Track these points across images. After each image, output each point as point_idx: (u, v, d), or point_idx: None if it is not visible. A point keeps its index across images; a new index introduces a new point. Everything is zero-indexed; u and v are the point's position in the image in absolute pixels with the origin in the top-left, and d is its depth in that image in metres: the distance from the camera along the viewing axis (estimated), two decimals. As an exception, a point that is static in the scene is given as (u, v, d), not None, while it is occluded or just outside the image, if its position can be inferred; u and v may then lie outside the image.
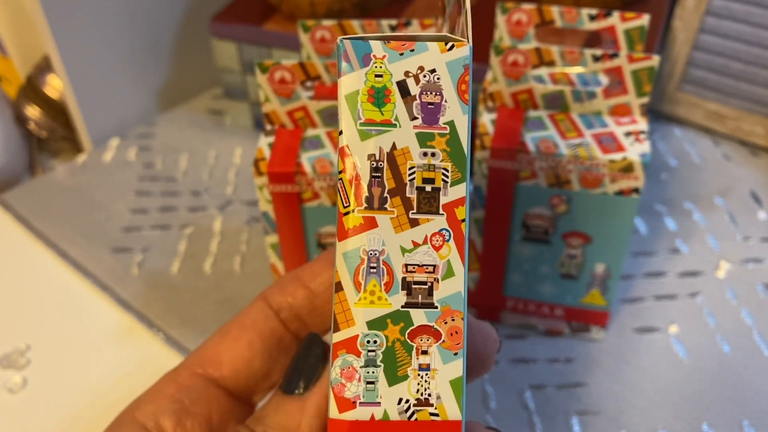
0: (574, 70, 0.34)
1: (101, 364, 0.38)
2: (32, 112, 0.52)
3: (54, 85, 0.51)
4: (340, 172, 0.18)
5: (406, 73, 0.18)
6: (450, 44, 0.18)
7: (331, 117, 0.32)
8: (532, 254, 0.35)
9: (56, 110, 0.52)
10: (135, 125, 0.54)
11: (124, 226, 0.46)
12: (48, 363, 0.38)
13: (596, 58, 0.32)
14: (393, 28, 0.33)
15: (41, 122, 0.52)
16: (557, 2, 0.47)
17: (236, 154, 0.51)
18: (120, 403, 0.36)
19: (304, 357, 0.22)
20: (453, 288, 0.18)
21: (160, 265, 0.43)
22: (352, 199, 0.18)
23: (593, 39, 0.45)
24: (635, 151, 0.31)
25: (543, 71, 0.35)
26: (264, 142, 0.32)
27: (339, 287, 0.18)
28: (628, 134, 0.32)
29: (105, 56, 0.50)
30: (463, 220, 0.18)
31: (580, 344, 0.38)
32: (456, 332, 0.18)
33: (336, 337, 0.18)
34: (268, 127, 0.33)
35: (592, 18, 0.33)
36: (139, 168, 0.50)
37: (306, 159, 0.31)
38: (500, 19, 0.34)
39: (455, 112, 0.18)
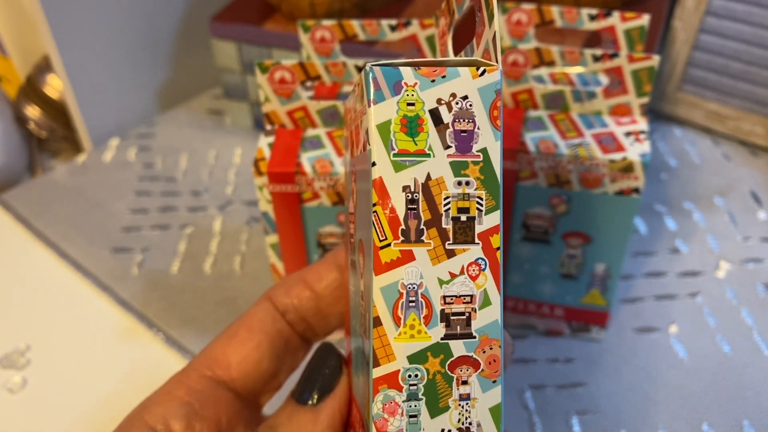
0: (574, 70, 0.34)
1: (101, 364, 0.38)
2: (32, 112, 0.52)
3: (54, 85, 0.51)
4: (374, 205, 0.18)
5: (439, 101, 0.18)
6: (481, 69, 0.18)
7: (331, 117, 0.32)
8: (532, 254, 0.35)
9: (56, 110, 0.52)
10: (135, 125, 0.55)
11: (124, 226, 0.46)
12: (48, 363, 0.38)
13: (596, 58, 0.32)
14: (393, 28, 0.33)
15: (41, 122, 0.52)
16: (557, 2, 0.47)
17: (236, 154, 0.51)
18: (120, 402, 0.36)
19: (318, 367, 0.22)
20: (490, 317, 0.18)
21: (160, 265, 0.43)
22: (388, 232, 0.18)
23: (593, 39, 0.45)
24: (635, 151, 0.31)
25: (543, 71, 0.35)
26: (264, 142, 0.32)
27: (378, 322, 0.18)
28: (628, 134, 0.32)
29: (105, 56, 0.50)
30: (498, 248, 0.18)
31: (580, 344, 0.38)
32: (494, 360, 0.18)
33: (376, 373, 0.18)
34: (268, 127, 0.33)
35: (592, 18, 0.33)
36: (139, 168, 0.50)
37: (306, 159, 0.31)
38: (500, 19, 0.34)
39: (488, 139, 0.18)
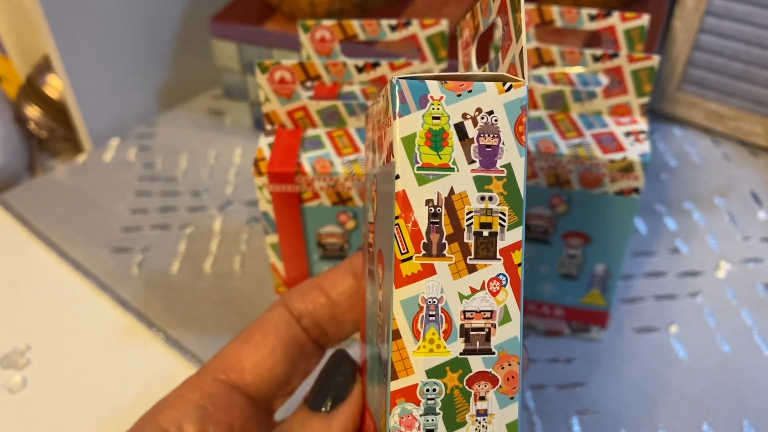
0: (574, 70, 0.34)
1: (101, 364, 0.38)
2: (32, 112, 0.52)
3: (54, 85, 0.51)
4: (396, 217, 0.18)
5: (464, 115, 0.18)
6: (508, 85, 0.18)
7: (330, 117, 0.32)
8: (532, 254, 0.35)
9: (56, 110, 0.52)
10: (135, 125, 0.55)
11: (124, 226, 0.46)
12: (48, 363, 0.38)
13: (596, 58, 0.32)
14: (393, 28, 0.33)
15: (41, 122, 0.52)
16: (557, 2, 0.47)
17: (236, 154, 0.51)
18: (120, 402, 0.36)
19: (332, 374, 0.22)
20: (509, 333, 0.18)
21: (160, 265, 0.43)
22: (410, 245, 0.18)
23: (593, 39, 0.45)
24: (635, 151, 0.31)
25: (543, 71, 0.35)
26: (264, 142, 0.32)
27: (397, 335, 0.18)
28: (628, 134, 0.32)
29: (105, 56, 0.50)
30: (520, 264, 0.18)
31: (580, 344, 0.38)
32: (512, 377, 0.18)
33: (394, 386, 0.18)
34: (268, 127, 0.33)
35: (592, 18, 0.33)
36: (139, 168, 0.50)
37: (306, 159, 0.31)
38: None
39: (512, 155, 0.18)
